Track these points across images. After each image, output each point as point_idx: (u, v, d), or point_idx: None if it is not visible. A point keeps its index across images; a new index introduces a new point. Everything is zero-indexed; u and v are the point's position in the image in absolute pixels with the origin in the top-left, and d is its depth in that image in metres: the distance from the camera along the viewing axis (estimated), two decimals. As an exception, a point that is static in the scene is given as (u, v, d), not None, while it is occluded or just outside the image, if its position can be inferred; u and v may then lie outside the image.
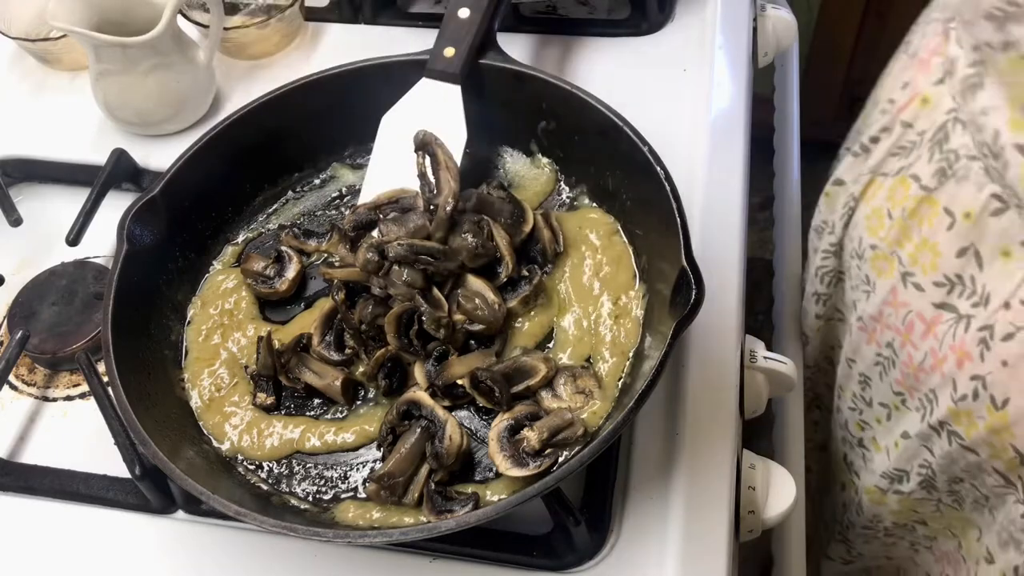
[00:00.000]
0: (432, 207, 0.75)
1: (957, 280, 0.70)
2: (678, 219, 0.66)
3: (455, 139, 0.78)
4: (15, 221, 0.89)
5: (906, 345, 0.77)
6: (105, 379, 0.70)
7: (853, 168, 0.84)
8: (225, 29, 0.95)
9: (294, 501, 0.68)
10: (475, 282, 0.72)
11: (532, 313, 0.74)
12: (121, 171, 0.89)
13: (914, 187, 0.73)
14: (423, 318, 0.70)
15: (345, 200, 0.84)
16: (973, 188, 0.66)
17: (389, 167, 0.80)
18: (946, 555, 0.87)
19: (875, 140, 0.80)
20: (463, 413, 0.71)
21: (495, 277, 0.74)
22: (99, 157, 0.89)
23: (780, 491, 0.74)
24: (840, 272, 0.90)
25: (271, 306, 0.79)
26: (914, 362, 0.76)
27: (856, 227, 0.83)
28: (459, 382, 0.69)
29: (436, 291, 0.71)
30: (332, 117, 0.83)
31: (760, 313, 1.13)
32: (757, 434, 0.98)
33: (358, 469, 0.69)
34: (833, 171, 0.89)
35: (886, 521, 0.92)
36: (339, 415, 0.72)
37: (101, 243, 0.85)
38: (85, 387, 0.79)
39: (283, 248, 0.80)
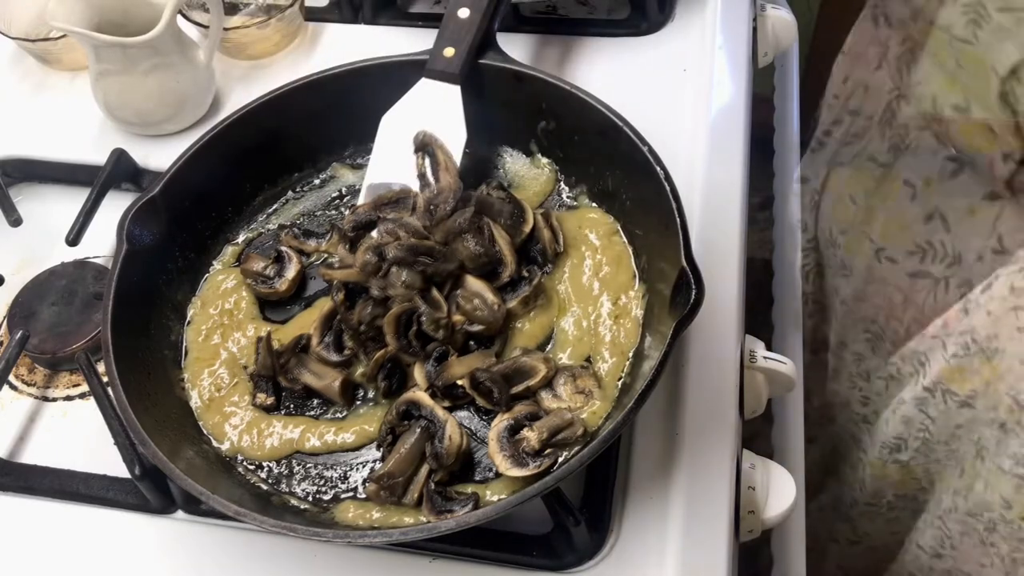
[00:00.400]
0: (432, 208, 0.75)
1: (928, 246, 0.72)
2: (678, 219, 0.66)
3: (455, 139, 0.78)
4: (15, 221, 0.89)
5: (891, 320, 0.79)
6: (105, 379, 0.70)
7: (812, 162, 0.87)
8: (225, 29, 0.95)
9: (294, 501, 0.68)
10: (474, 283, 0.72)
11: (532, 314, 0.74)
12: (121, 171, 0.89)
13: (871, 167, 0.76)
14: (422, 319, 0.70)
15: (345, 200, 0.84)
16: (928, 155, 0.69)
17: (389, 167, 0.80)
18: (948, 511, 0.88)
19: (828, 133, 0.84)
20: (463, 413, 0.71)
21: (496, 278, 0.74)
22: (99, 157, 0.89)
23: (780, 491, 0.74)
24: (820, 265, 0.92)
25: (271, 306, 0.79)
26: (900, 334, 0.79)
27: (824, 218, 0.85)
28: (459, 383, 0.69)
29: (435, 292, 0.71)
30: (332, 117, 0.83)
31: (760, 313, 1.13)
32: (757, 434, 0.98)
33: (358, 469, 0.69)
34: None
35: (888, 495, 0.92)
36: (339, 415, 0.72)
37: (101, 243, 0.85)
38: (85, 387, 0.79)
39: (283, 248, 0.80)
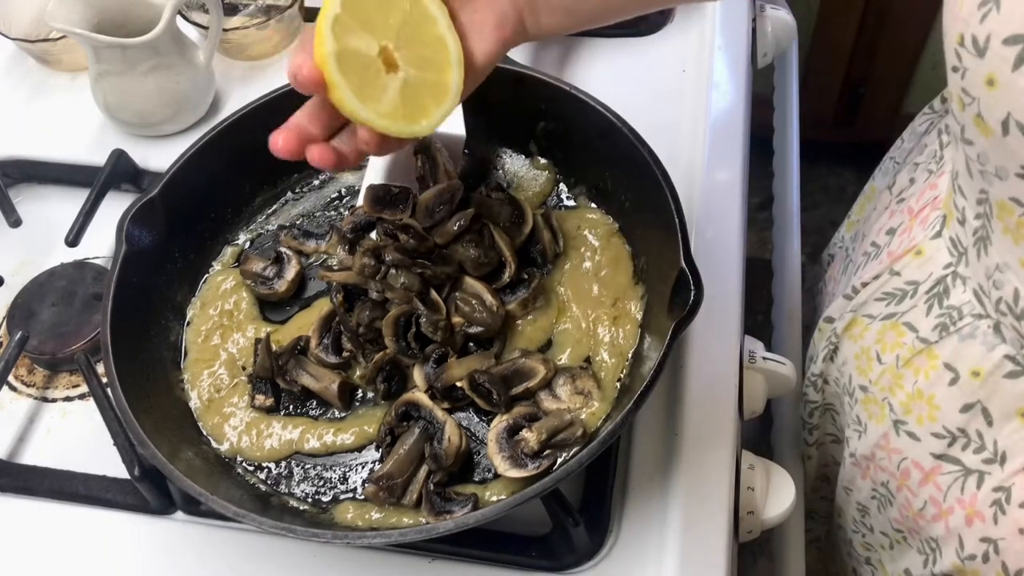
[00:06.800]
0: (431, 209, 0.75)
1: (960, 433, 0.66)
2: (676, 220, 0.66)
3: (454, 140, 0.78)
4: (15, 222, 0.89)
5: (903, 489, 0.73)
6: (104, 380, 0.70)
7: (841, 307, 0.80)
8: (224, 30, 0.95)
9: (293, 502, 0.68)
10: (473, 284, 0.72)
11: (531, 315, 0.74)
12: (121, 172, 0.89)
13: (910, 336, 0.69)
14: (421, 321, 0.70)
15: (344, 201, 0.85)
16: (982, 348, 0.63)
17: (388, 168, 0.80)
18: None
19: (865, 285, 0.77)
20: (462, 414, 0.71)
21: (497, 279, 0.74)
22: (99, 158, 0.89)
23: (779, 492, 0.74)
24: (827, 404, 0.86)
25: (270, 307, 0.79)
26: (913, 507, 0.72)
27: (846, 364, 0.79)
28: (458, 385, 0.69)
29: (434, 294, 0.71)
30: (331, 118, 0.83)
31: (760, 313, 1.13)
32: (757, 434, 0.98)
33: (357, 470, 0.69)
34: (825, 310, 0.85)
35: None
36: (338, 416, 0.72)
37: (100, 244, 0.85)
38: (84, 388, 0.79)
39: (282, 249, 0.80)
